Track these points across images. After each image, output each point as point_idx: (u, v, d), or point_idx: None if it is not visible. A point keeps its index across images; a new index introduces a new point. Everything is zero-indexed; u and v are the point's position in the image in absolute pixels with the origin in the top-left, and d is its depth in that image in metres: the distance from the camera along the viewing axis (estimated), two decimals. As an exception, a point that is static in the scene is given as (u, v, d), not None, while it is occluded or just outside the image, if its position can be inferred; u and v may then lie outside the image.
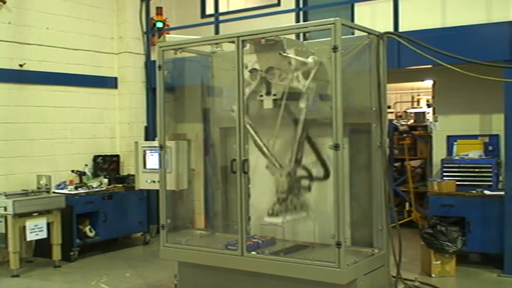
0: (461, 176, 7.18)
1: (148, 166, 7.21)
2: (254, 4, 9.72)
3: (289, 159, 5.10)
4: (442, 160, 7.58)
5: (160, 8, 9.42)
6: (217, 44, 5.85)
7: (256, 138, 5.23)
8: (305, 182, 5.23)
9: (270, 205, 5.12)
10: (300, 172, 5.23)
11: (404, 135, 10.51)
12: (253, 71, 5.14)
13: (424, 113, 11.47)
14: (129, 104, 9.16)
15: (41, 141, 8.08)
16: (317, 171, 5.24)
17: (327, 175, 5.16)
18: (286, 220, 4.94)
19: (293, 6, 8.17)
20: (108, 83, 9.08)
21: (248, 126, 5.19)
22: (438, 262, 6.60)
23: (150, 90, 9.24)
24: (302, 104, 4.96)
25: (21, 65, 7.79)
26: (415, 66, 7.53)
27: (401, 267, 5.35)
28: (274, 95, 5.07)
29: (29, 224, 6.95)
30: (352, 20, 8.00)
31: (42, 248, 7.59)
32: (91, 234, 7.91)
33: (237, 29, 6.26)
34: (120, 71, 9.21)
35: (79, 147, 8.58)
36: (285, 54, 4.90)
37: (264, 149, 5.25)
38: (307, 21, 8.09)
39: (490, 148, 7.52)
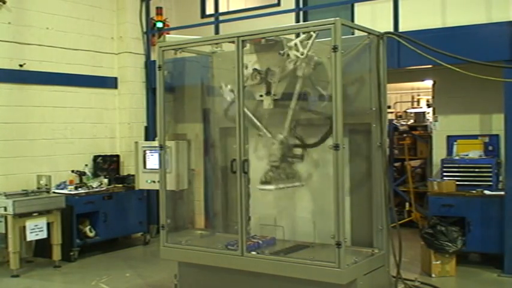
0: (461, 176, 7.18)
1: (148, 166, 7.22)
2: (254, 4, 9.72)
3: (283, 127, 5.07)
4: (442, 160, 7.58)
5: (160, 8, 9.43)
6: (217, 44, 5.85)
7: (249, 113, 5.20)
8: (298, 151, 5.22)
9: (263, 173, 5.11)
10: (293, 141, 5.20)
11: (404, 135, 10.50)
12: (253, 71, 5.14)
13: (424, 113, 11.46)
14: (129, 104, 9.16)
15: (41, 141, 8.08)
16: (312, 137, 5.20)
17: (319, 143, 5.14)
18: (279, 187, 4.93)
19: (293, 6, 8.17)
20: (108, 83, 9.08)
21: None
22: (438, 262, 6.60)
23: (150, 90, 9.25)
24: (299, 73, 4.92)
25: (21, 65, 7.79)
26: (415, 66, 7.53)
27: (401, 267, 5.35)
28: (274, 95, 5.07)
29: (29, 224, 6.95)
30: (352, 20, 8.00)
31: (42, 248, 7.59)
32: (91, 234, 7.91)
33: (237, 29, 6.26)
34: (120, 71, 9.21)
35: (79, 147, 8.58)
36: (285, 50, 4.90)
37: (255, 120, 5.22)
38: (307, 21, 8.09)
39: (490, 148, 7.52)
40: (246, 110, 5.14)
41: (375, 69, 5.04)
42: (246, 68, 5.12)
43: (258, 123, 5.26)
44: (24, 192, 7.27)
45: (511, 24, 6.42)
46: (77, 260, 7.63)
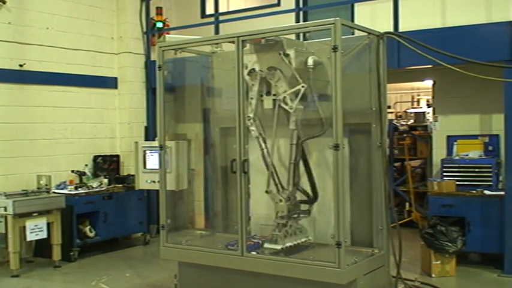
0: (461, 176, 7.18)
1: (148, 166, 7.21)
2: (254, 4, 9.72)
3: (286, 182, 5.05)
4: (442, 160, 7.58)
5: (160, 8, 9.43)
6: (217, 44, 5.85)
7: (266, 155, 5.17)
8: (305, 207, 5.20)
9: (270, 231, 5.09)
10: (300, 196, 5.16)
11: (404, 135, 10.51)
12: (253, 71, 5.14)
13: (424, 113, 11.46)
14: (129, 104, 9.16)
15: (41, 141, 8.08)
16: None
17: (314, 199, 5.14)
18: (286, 246, 4.95)
19: (293, 6, 8.17)
20: (108, 83, 9.08)
21: (261, 140, 5.15)
22: (438, 262, 6.60)
23: (150, 90, 9.25)
24: (292, 126, 4.95)
25: (21, 65, 7.79)
26: (415, 66, 7.54)
27: (401, 267, 5.34)
28: (274, 95, 5.07)
29: (29, 224, 6.95)
30: (352, 20, 8.00)
31: (42, 248, 7.59)
32: (91, 234, 7.91)
33: (237, 29, 6.26)
34: (120, 71, 9.21)
35: (79, 147, 8.58)
36: (283, 58, 4.90)
37: (271, 167, 5.15)
38: (307, 21, 8.09)
39: (490, 148, 7.52)
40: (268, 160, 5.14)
41: (375, 69, 5.04)
42: (246, 67, 5.12)
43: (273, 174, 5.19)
44: (24, 192, 7.28)
45: (511, 24, 6.42)
46: (77, 260, 7.63)
